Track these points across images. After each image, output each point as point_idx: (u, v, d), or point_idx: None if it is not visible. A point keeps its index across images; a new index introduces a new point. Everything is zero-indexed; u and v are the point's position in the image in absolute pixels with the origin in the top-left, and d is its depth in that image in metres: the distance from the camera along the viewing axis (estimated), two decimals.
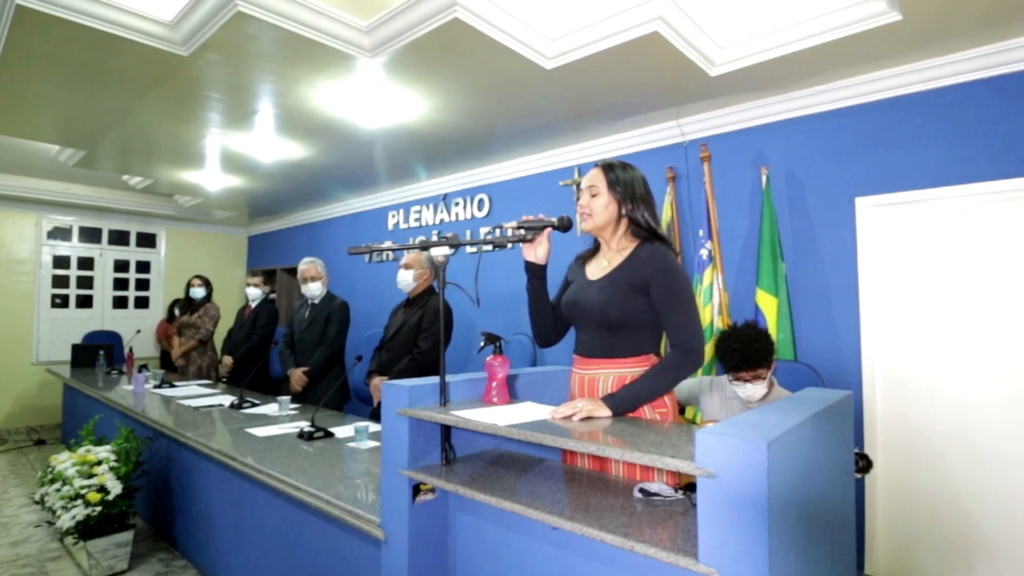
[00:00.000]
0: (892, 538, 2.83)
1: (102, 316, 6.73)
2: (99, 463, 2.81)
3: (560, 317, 1.82)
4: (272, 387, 4.55)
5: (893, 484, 2.84)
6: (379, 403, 3.21)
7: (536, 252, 1.72)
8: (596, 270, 1.73)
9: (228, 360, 4.42)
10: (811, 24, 2.52)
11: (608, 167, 1.70)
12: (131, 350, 5.10)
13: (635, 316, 1.62)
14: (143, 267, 7.08)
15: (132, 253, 7.00)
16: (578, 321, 1.74)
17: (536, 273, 1.76)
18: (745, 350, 2.07)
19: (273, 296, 7.00)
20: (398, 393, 1.60)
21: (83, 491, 2.69)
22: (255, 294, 4.50)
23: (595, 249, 1.80)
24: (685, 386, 2.39)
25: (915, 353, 2.81)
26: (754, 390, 2.11)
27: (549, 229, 1.69)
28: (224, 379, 4.45)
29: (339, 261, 6.07)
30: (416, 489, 1.58)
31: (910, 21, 2.35)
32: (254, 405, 3.31)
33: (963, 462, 2.66)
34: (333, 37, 2.57)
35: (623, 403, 1.52)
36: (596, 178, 1.70)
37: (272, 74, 2.93)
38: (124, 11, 2.46)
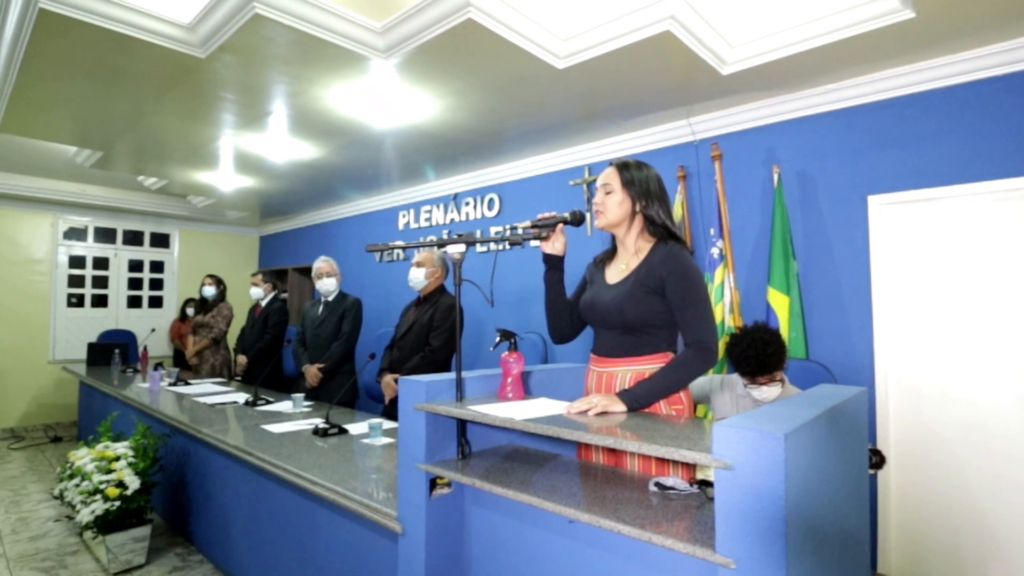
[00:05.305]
0: (905, 537, 2.82)
1: (117, 315, 6.81)
2: (117, 459, 2.85)
3: (576, 314, 1.84)
4: (286, 385, 4.60)
5: (906, 482, 2.83)
6: (391, 400, 3.25)
7: (554, 246, 1.76)
8: (614, 273, 1.75)
9: (242, 359, 4.47)
10: (823, 22, 2.52)
11: (623, 166, 1.72)
12: (145, 349, 5.17)
13: (653, 318, 1.64)
14: (157, 267, 7.16)
15: (146, 253, 7.08)
16: (596, 323, 1.76)
17: (554, 264, 1.80)
18: (761, 355, 2.04)
19: (285, 295, 7.06)
20: (415, 388, 1.62)
21: (102, 486, 2.73)
22: (257, 293, 4.58)
23: (613, 251, 1.82)
24: (696, 385, 2.39)
25: (928, 351, 2.80)
26: (770, 391, 2.11)
27: (562, 224, 1.72)
28: (238, 377, 4.51)
29: (350, 261, 6.11)
30: (433, 483, 1.60)
31: (923, 18, 2.35)
32: (268, 402, 3.34)
33: (977, 461, 2.65)
34: (347, 38, 2.60)
35: (638, 399, 1.54)
36: (611, 176, 1.72)
37: (286, 75, 2.96)
38: (143, 14, 2.50)
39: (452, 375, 1.65)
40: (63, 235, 6.47)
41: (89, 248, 6.65)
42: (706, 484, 1.33)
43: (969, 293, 2.70)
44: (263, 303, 4.57)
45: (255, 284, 4.59)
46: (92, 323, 6.58)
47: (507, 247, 4.71)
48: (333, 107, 3.41)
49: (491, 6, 2.39)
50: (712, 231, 3.35)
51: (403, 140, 4.05)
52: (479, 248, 4.94)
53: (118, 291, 6.84)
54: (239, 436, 2.56)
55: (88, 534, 3.08)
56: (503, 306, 4.67)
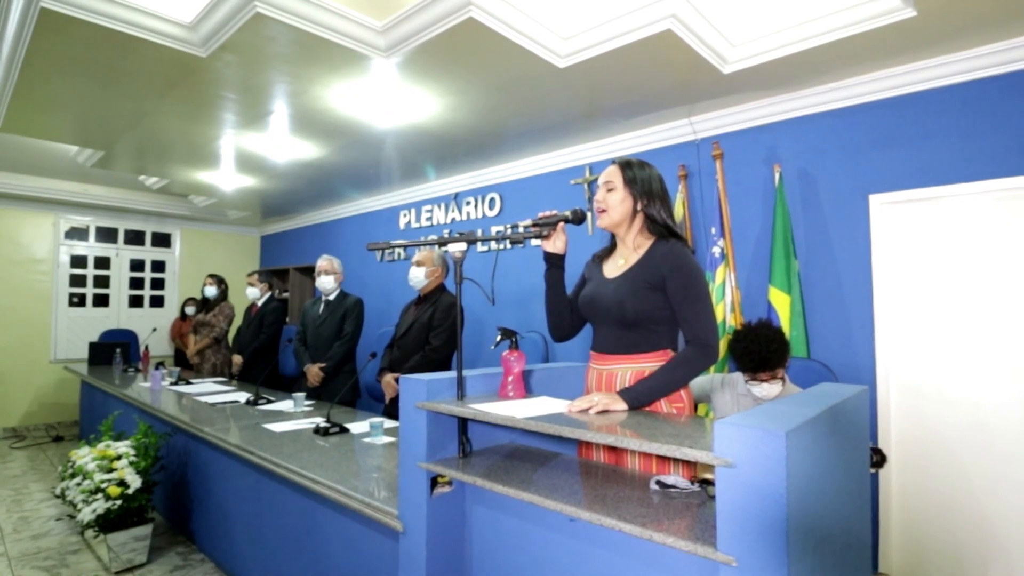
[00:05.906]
0: (906, 536, 2.82)
1: (118, 315, 6.82)
2: (119, 458, 2.86)
3: (576, 312, 1.84)
4: (284, 384, 4.60)
5: (907, 482, 2.83)
6: (391, 399, 3.25)
7: (555, 244, 1.76)
8: (613, 268, 1.75)
9: (238, 359, 4.47)
10: (825, 21, 2.52)
11: (625, 164, 1.73)
12: (147, 348, 5.17)
13: (652, 313, 1.63)
14: (158, 267, 7.17)
15: (147, 253, 7.09)
16: (596, 318, 1.76)
17: (555, 263, 1.80)
18: (764, 352, 2.04)
19: (286, 295, 7.07)
20: (416, 387, 1.62)
21: (103, 485, 2.73)
22: (253, 293, 4.60)
23: (611, 248, 1.82)
24: (696, 384, 2.38)
25: (929, 351, 2.80)
26: (771, 389, 2.11)
27: (563, 222, 1.73)
28: (234, 377, 4.50)
29: (351, 260, 6.11)
30: (434, 481, 1.60)
31: (924, 17, 2.35)
32: (269, 402, 3.35)
33: (978, 460, 2.64)
34: (349, 37, 2.60)
35: (639, 397, 1.54)
36: (613, 174, 1.72)
37: (288, 74, 2.96)
38: (145, 13, 2.50)
39: (453, 374, 1.65)
40: (64, 235, 6.48)
41: (91, 248, 6.66)
42: (707, 482, 1.33)
43: (970, 292, 2.69)
44: (259, 303, 4.58)
45: (251, 284, 4.61)
46: (93, 322, 6.58)
47: (508, 246, 4.71)
48: (334, 106, 3.41)
49: (492, 5, 2.39)
50: (713, 230, 3.35)
51: (404, 139, 4.05)
52: (480, 247, 4.94)
53: (119, 291, 6.85)
54: (240, 435, 2.56)
55: (89, 533, 3.09)
56: (504, 305, 4.67)
